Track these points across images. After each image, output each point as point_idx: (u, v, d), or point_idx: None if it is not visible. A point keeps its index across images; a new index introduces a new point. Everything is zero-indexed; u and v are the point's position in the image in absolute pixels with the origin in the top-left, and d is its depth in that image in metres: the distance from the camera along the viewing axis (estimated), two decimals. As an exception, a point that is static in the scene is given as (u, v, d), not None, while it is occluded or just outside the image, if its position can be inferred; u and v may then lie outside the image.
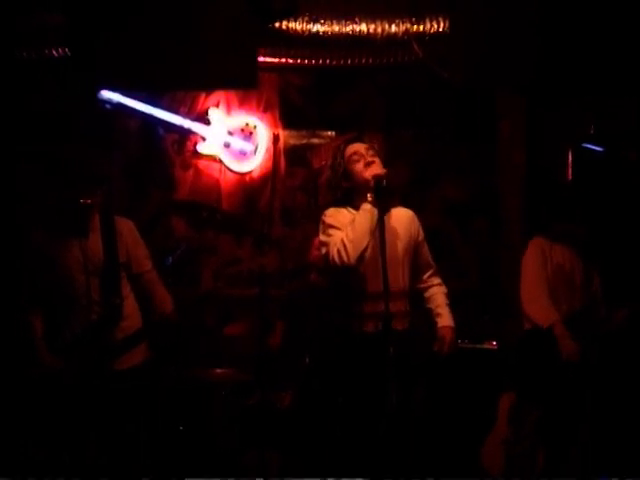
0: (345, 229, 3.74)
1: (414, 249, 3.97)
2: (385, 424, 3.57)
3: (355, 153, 3.88)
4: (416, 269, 3.99)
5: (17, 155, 5.88)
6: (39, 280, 3.95)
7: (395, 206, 3.97)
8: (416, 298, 4.02)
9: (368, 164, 3.82)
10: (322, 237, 3.87)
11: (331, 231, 3.82)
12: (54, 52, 5.39)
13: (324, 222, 3.89)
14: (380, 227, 3.61)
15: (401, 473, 3.62)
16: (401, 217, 3.97)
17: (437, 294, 4.03)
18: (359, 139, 3.95)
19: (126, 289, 4.01)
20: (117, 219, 4.05)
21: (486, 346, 5.23)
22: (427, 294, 4.04)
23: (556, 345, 4.36)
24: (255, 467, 4.50)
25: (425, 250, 4.05)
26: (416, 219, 4.04)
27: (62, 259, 3.89)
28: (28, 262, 4.00)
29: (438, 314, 3.97)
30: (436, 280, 4.08)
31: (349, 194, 3.91)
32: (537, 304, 4.51)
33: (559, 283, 4.53)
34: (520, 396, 4.51)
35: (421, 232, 4.03)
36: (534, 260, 4.61)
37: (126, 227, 4.07)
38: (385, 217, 3.74)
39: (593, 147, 5.50)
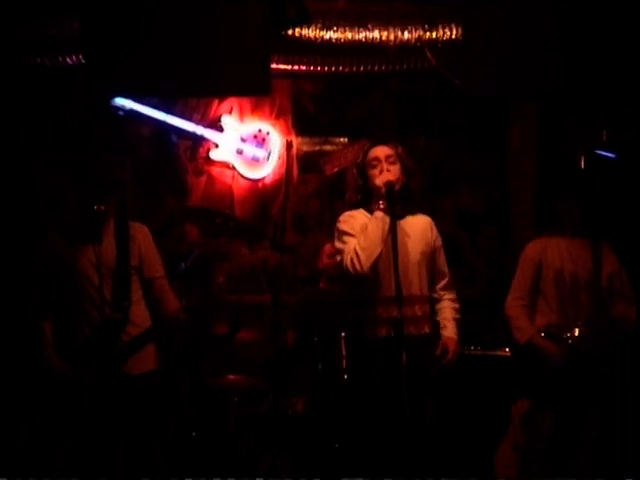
0: (359, 236, 3.76)
1: (431, 255, 3.96)
2: (397, 430, 3.57)
3: (375, 159, 3.88)
4: (431, 277, 3.98)
5: (33, 161, 5.91)
6: (52, 283, 3.97)
7: (413, 212, 3.98)
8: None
9: (382, 172, 3.83)
10: (337, 244, 3.89)
11: (345, 238, 3.83)
12: (68, 59, 5.41)
13: (338, 229, 3.90)
14: (393, 233, 3.62)
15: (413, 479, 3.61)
16: (417, 223, 3.96)
17: (446, 308, 4.01)
18: (385, 142, 3.95)
19: (137, 294, 4.02)
20: (132, 224, 4.07)
21: (499, 353, 5.21)
22: (437, 306, 4.02)
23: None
24: (268, 473, 4.50)
25: (441, 259, 4.03)
26: (433, 226, 4.03)
27: (76, 263, 3.90)
28: (42, 266, 4.02)
29: (444, 326, 3.96)
30: (449, 294, 4.05)
31: (367, 196, 3.93)
32: (513, 321, 4.52)
33: (562, 290, 4.47)
34: (534, 402, 4.49)
35: (438, 240, 4.02)
36: (520, 272, 4.59)
37: (140, 232, 4.09)
38: (400, 222, 3.76)
39: (606, 154, 5.48)
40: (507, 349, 5.21)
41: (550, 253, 4.52)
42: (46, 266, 3.99)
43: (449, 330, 3.95)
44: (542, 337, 4.39)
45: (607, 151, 5.37)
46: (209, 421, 4.79)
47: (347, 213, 3.95)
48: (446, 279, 4.05)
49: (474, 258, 6.11)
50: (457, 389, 4.99)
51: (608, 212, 4.55)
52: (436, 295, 4.02)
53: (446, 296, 4.04)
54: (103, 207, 3.90)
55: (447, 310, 4.00)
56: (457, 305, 4.04)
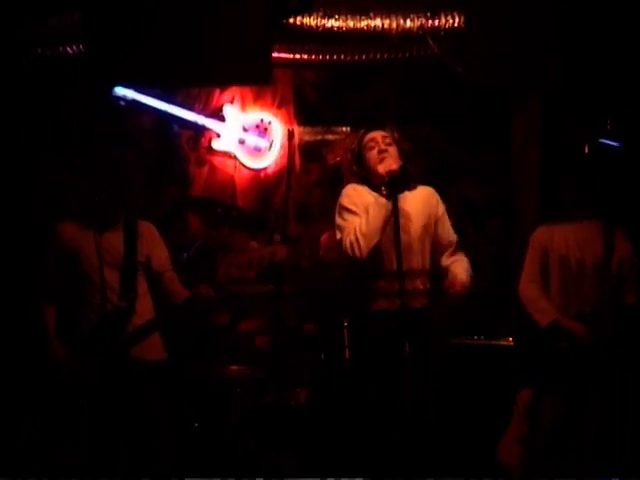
0: (360, 214, 3.74)
1: (435, 224, 3.93)
2: (400, 420, 3.57)
3: (371, 140, 3.87)
4: (438, 247, 3.95)
5: (33, 161, 5.92)
6: (58, 273, 4.00)
7: (412, 187, 3.94)
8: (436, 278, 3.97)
9: (381, 152, 3.81)
10: (338, 220, 3.86)
11: (346, 215, 3.81)
12: (69, 49, 5.40)
13: (340, 204, 3.87)
14: (395, 214, 3.59)
15: (416, 471, 3.60)
16: (416, 197, 3.92)
17: (456, 261, 3.94)
18: (380, 127, 3.93)
19: (142, 287, 4.06)
20: (140, 223, 4.13)
21: (502, 342, 5.20)
22: (448, 267, 3.94)
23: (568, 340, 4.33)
24: (270, 465, 4.50)
25: (446, 226, 3.98)
26: (435, 194, 4.00)
27: (84, 253, 3.94)
28: (49, 256, 4.04)
29: (452, 268, 3.90)
30: (459, 256, 3.98)
31: (366, 178, 3.90)
32: (533, 304, 4.48)
33: (566, 276, 4.44)
34: (538, 392, 4.47)
35: (441, 207, 3.99)
36: (530, 256, 4.56)
37: (147, 230, 4.15)
38: (401, 198, 3.71)
39: (610, 142, 5.45)
40: (510, 339, 5.21)
41: (556, 239, 4.48)
42: (54, 254, 4.01)
43: (457, 268, 3.88)
44: (566, 318, 4.35)
45: (611, 140, 5.35)
46: (211, 412, 4.78)
47: (351, 186, 3.92)
48: (453, 247, 3.99)
49: (479, 248, 6.09)
50: (460, 379, 4.98)
51: (619, 194, 4.52)
52: (445, 263, 3.96)
53: (457, 258, 3.97)
54: (111, 198, 3.96)
55: (458, 262, 3.93)
56: (468, 264, 3.95)
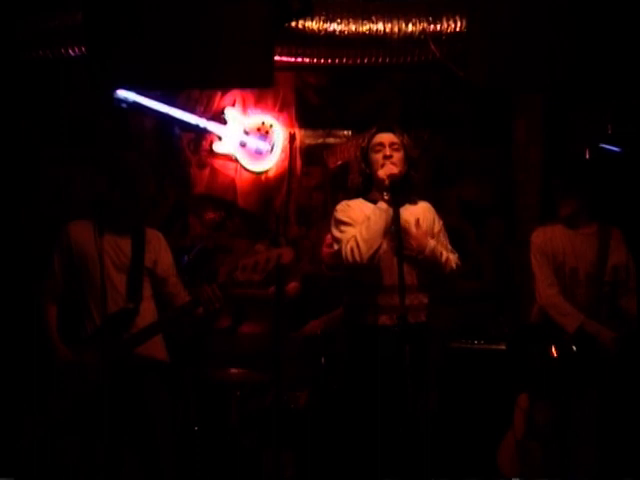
0: (357, 225, 3.76)
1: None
2: (400, 424, 3.57)
3: (379, 144, 3.88)
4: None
5: (36, 156, 5.93)
6: (65, 273, 4.03)
7: (413, 201, 3.96)
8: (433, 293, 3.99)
9: (386, 157, 3.82)
10: (334, 232, 3.90)
11: (343, 227, 3.84)
12: (70, 51, 5.41)
13: (335, 218, 3.92)
14: (396, 224, 3.61)
15: (416, 474, 3.60)
16: (415, 212, 3.94)
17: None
18: (390, 129, 3.94)
19: (147, 290, 4.11)
20: (148, 230, 4.19)
21: (502, 347, 5.20)
22: None
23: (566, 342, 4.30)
24: (270, 468, 4.50)
25: (444, 244, 3.97)
26: (432, 211, 4.01)
27: (90, 254, 3.95)
28: (57, 255, 4.05)
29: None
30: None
31: (368, 181, 3.93)
32: (557, 309, 4.36)
33: (559, 284, 4.42)
34: (533, 395, 4.46)
35: (438, 224, 3.99)
36: (537, 262, 4.48)
37: (155, 237, 4.21)
38: (402, 209, 3.73)
39: (610, 147, 5.46)
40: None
41: (554, 246, 4.45)
42: (62, 254, 4.03)
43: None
44: (592, 323, 4.25)
45: (612, 145, 5.35)
46: (211, 415, 4.78)
47: (344, 202, 3.98)
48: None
49: (480, 251, 6.09)
50: (461, 383, 4.99)
51: (618, 199, 4.50)
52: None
53: None
54: (124, 201, 3.99)
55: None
56: (453, 257, 3.94)
